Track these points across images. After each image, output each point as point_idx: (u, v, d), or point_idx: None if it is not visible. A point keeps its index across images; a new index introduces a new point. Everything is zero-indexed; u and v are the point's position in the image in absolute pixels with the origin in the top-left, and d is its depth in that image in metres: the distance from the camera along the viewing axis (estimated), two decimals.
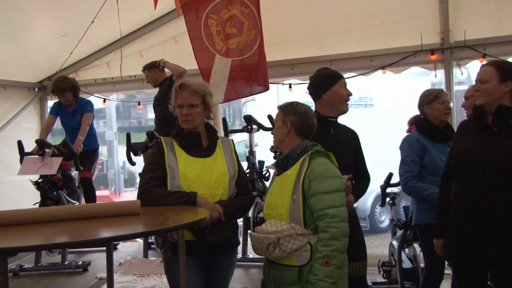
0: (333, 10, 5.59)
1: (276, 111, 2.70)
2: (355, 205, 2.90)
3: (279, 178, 2.59)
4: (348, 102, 2.99)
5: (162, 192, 2.59)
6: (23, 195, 6.04)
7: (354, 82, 6.14)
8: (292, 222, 2.42)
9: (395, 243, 4.18)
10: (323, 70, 3.07)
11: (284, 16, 5.77)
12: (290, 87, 5.88)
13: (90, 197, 5.35)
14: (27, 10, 5.39)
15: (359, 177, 2.99)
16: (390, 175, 4.18)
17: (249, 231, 4.24)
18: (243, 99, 9.79)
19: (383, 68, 5.46)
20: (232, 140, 2.88)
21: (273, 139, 2.69)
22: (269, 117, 4.53)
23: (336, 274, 2.36)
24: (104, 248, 2.92)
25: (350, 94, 2.98)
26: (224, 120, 4.99)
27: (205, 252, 2.60)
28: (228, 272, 2.79)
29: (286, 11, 5.77)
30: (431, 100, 3.53)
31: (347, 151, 2.90)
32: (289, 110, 2.61)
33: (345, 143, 2.93)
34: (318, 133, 2.67)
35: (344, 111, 2.97)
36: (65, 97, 5.31)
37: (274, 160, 2.76)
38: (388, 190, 4.29)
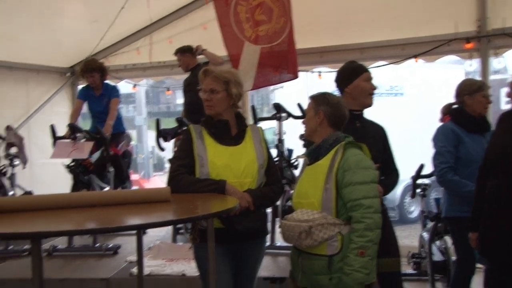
0: None
1: (305, 99, 2.67)
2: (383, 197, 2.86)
3: (310, 167, 2.57)
4: (376, 94, 2.94)
5: (191, 179, 2.59)
6: (56, 178, 6.17)
7: (384, 71, 6.04)
8: (323, 212, 2.41)
9: (425, 235, 4.11)
10: (349, 64, 3.05)
11: (313, 3, 5.68)
12: (319, 75, 5.81)
13: (120, 174, 5.30)
14: None
15: (388, 172, 2.94)
16: (421, 166, 4.11)
17: (278, 220, 4.23)
18: (271, 87, 9.74)
19: (415, 56, 5.33)
20: (261, 128, 2.86)
21: (305, 129, 2.67)
22: (299, 105, 4.49)
23: (371, 265, 2.35)
24: (134, 231, 2.96)
25: (375, 88, 2.95)
26: (253, 107, 4.96)
27: (234, 240, 2.61)
28: (257, 261, 2.79)
29: None
30: (474, 91, 3.40)
31: (375, 145, 2.85)
32: (321, 100, 2.59)
33: (372, 137, 2.89)
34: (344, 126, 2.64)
35: (368, 104, 2.95)
36: (93, 77, 5.33)
37: (304, 149, 2.74)
38: (419, 181, 4.21)
